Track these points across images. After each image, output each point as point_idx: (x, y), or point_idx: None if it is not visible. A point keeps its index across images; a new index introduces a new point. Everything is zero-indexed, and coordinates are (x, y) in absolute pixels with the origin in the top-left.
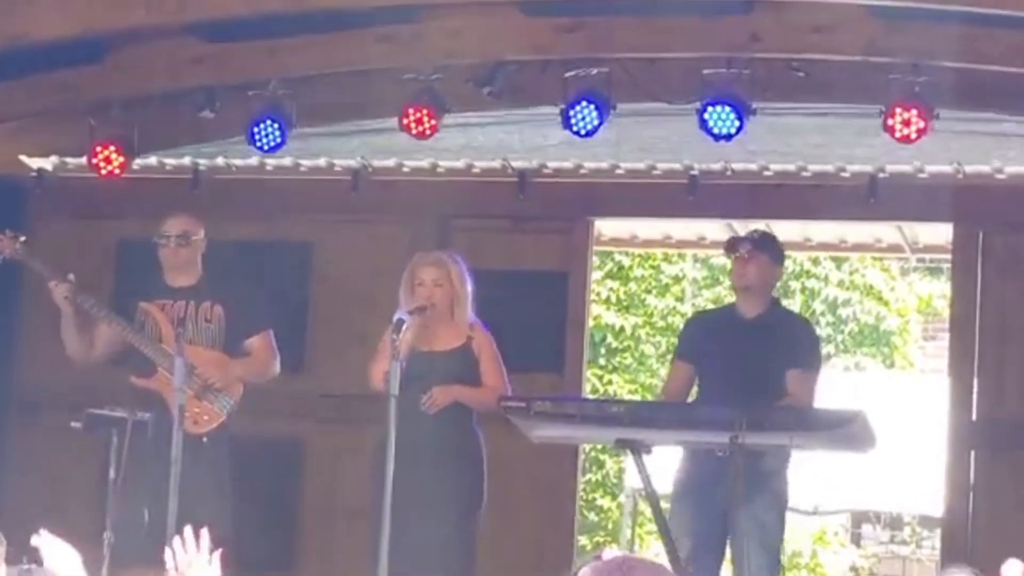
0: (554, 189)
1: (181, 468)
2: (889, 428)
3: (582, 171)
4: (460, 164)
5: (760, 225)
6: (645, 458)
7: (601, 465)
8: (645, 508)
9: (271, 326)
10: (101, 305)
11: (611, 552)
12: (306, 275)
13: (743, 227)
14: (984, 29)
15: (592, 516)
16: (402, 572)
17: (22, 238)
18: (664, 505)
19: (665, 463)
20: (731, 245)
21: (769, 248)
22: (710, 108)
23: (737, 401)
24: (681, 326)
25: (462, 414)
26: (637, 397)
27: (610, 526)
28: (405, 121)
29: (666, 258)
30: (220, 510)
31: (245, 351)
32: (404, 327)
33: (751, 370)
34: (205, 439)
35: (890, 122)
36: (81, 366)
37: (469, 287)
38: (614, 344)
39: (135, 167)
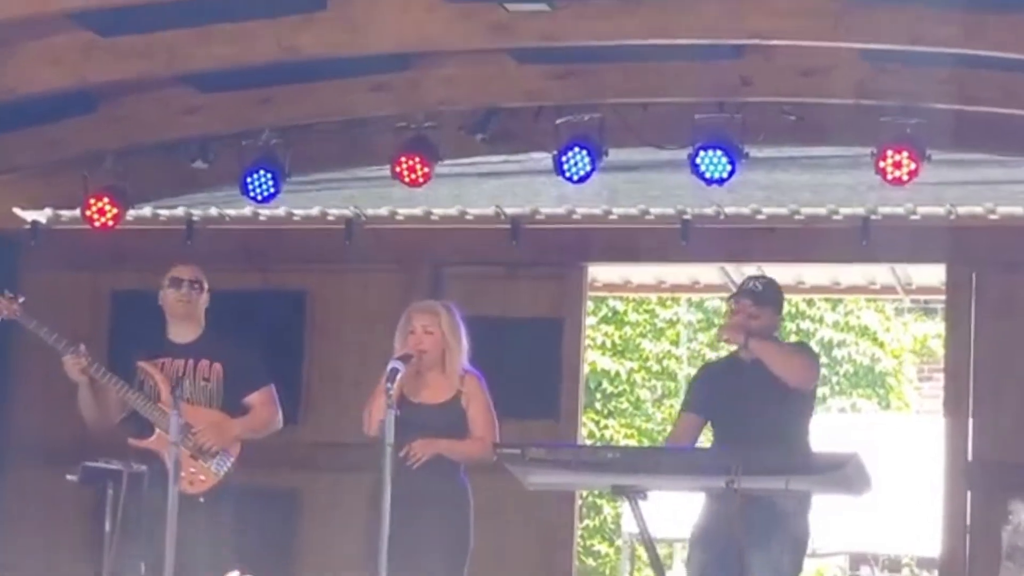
0: (547, 235)
1: (178, 527)
2: (886, 469)
3: (575, 217)
4: (453, 211)
5: (752, 268)
6: (641, 503)
7: (599, 511)
8: (643, 553)
9: (272, 381)
10: (106, 370)
11: None
12: (301, 324)
13: (736, 271)
14: (974, 71)
15: (590, 561)
16: None
17: (21, 299)
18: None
19: (662, 508)
20: (737, 302)
21: (772, 300)
22: (702, 152)
23: (745, 443)
24: (675, 370)
25: (448, 465)
26: (633, 441)
27: (608, 571)
28: (398, 169)
29: (660, 302)
30: (218, 569)
31: (245, 408)
32: (398, 376)
33: (753, 408)
34: (202, 499)
35: (881, 164)
36: (99, 433)
37: (463, 337)
38: (609, 389)
39: (129, 218)
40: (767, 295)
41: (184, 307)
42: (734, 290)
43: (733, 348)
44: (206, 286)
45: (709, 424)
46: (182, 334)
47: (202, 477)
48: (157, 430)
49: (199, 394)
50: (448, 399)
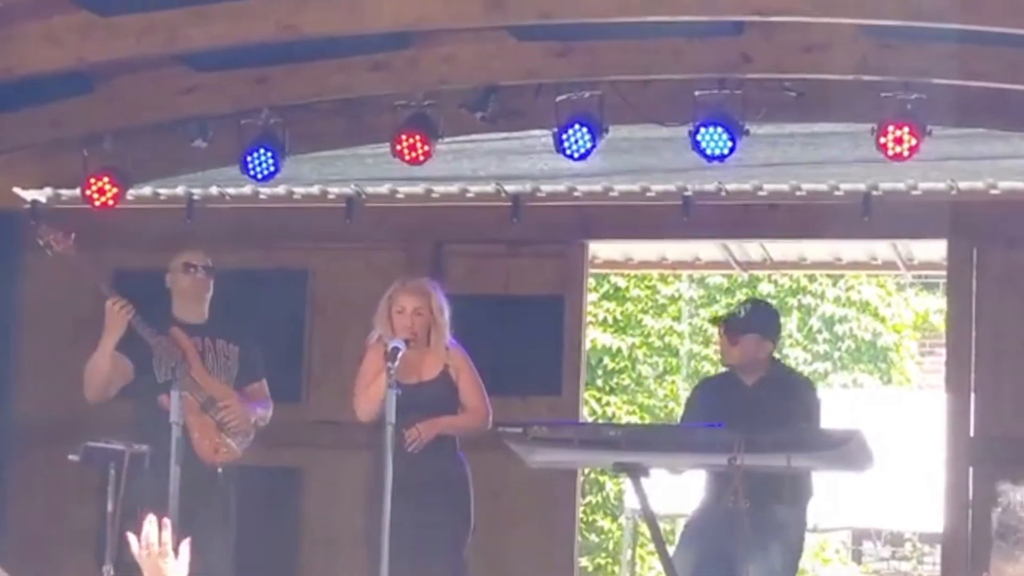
0: (548, 213)
1: (193, 497)
2: (888, 445)
3: (576, 194)
4: (454, 189)
5: (754, 245)
6: (643, 481)
7: (601, 487)
8: (646, 529)
9: (266, 375)
10: (147, 324)
11: None
12: (302, 303)
13: (738, 247)
14: (975, 46)
15: (593, 537)
16: None
17: (73, 235)
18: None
19: (663, 484)
20: (718, 328)
21: (757, 326)
22: (702, 129)
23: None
24: (677, 346)
25: (445, 443)
26: (635, 418)
27: (611, 547)
28: (398, 147)
29: (662, 278)
30: (225, 542)
31: (246, 394)
32: (399, 355)
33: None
34: (220, 470)
35: (883, 140)
36: (95, 401)
37: (447, 315)
38: (611, 365)
39: (129, 198)
40: (748, 323)
41: (198, 291)
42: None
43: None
44: (213, 270)
45: None
46: (192, 315)
47: (224, 450)
48: (187, 393)
49: (221, 371)
50: (437, 375)
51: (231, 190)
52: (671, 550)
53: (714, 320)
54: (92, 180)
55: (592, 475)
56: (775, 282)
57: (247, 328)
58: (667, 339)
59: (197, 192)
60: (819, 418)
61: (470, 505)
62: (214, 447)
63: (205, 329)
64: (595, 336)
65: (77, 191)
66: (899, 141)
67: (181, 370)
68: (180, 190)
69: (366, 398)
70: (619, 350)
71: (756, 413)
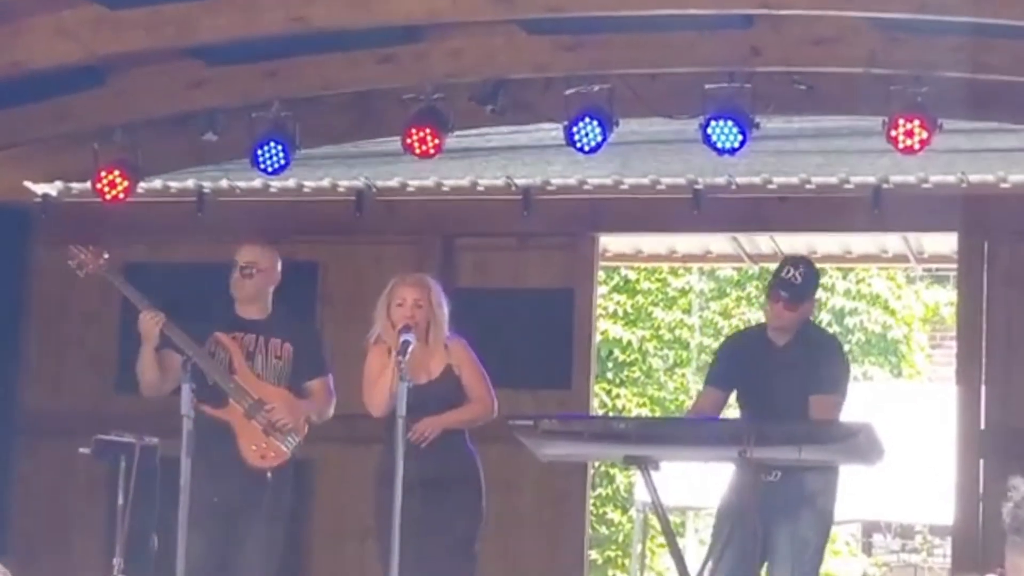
0: (558, 206)
1: (241, 500)
2: (898, 437)
3: (586, 187)
4: (464, 182)
5: (764, 238)
6: (653, 474)
7: (611, 479)
8: (656, 522)
9: (331, 372)
10: (183, 332)
11: None
12: (313, 296)
13: (748, 240)
14: (986, 39)
15: (603, 529)
16: None
17: (105, 255)
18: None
19: (674, 476)
20: (773, 293)
21: (810, 293)
22: (713, 123)
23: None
24: (687, 339)
25: (454, 436)
26: (645, 410)
27: (621, 539)
28: (408, 141)
29: (672, 271)
30: (265, 542)
31: (306, 391)
32: (409, 348)
33: (780, 401)
34: (270, 474)
35: (893, 133)
36: (151, 398)
37: (446, 311)
38: (621, 358)
39: (139, 191)
40: (805, 289)
41: (240, 291)
42: (772, 275)
43: (762, 320)
44: (268, 265)
45: (735, 395)
46: (249, 312)
47: (272, 453)
48: (231, 400)
49: (270, 371)
50: (441, 372)
51: (241, 183)
52: (681, 543)
53: (772, 292)
54: (103, 173)
55: (602, 468)
56: None
57: (306, 326)
58: (677, 332)
59: (207, 185)
60: (846, 384)
61: (481, 498)
62: (260, 453)
63: (261, 326)
64: (606, 328)
65: (88, 184)
66: (910, 134)
67: (222, 370)
68: (190, 183)
69: (376, 394)
70: (629, 343)
71: (783, 377)
